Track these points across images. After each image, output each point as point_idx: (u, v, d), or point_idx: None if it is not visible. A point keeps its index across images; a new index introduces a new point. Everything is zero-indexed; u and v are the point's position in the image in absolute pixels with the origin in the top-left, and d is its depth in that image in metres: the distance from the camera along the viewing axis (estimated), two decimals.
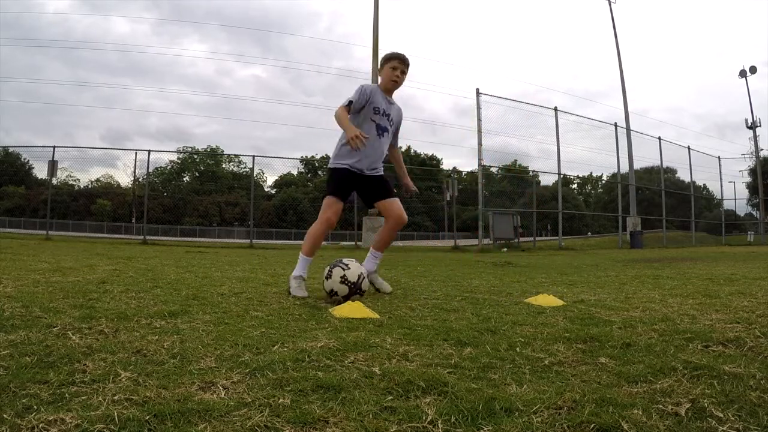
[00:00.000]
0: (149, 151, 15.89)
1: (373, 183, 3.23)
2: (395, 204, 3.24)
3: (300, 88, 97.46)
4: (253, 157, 17.19)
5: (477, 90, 15.12)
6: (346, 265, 2.82)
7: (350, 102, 3.05)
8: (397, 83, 3.18)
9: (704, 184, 26.37)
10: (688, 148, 22.70)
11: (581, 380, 1.33)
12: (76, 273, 3.86)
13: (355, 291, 2.78)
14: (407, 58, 3.21)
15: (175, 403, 1.09)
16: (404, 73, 3.19)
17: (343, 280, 2.76)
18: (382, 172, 3.29)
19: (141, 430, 0.96)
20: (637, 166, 20.71)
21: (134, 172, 17.86)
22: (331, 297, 2.78)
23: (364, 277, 2.85)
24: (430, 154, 60.98)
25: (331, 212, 3.10)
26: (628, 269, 5.76)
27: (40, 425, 0.95)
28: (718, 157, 24.74)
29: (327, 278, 2.81)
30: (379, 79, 3.24)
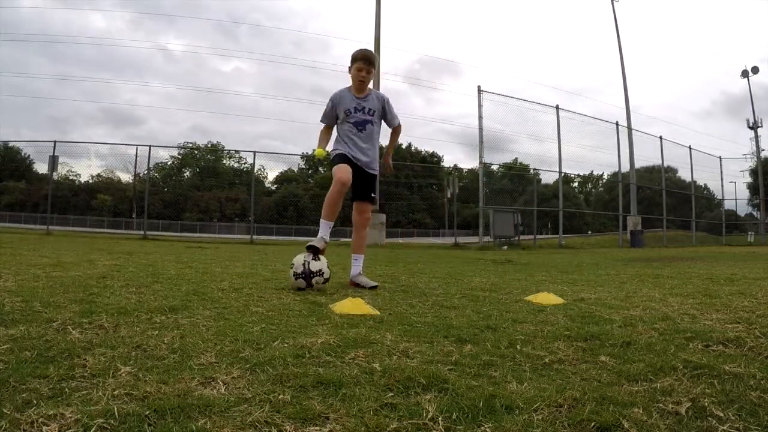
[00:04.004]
0: (150, 147, 15.91)
1: (363, 178, 3.42)
2: (362, 206, 3.45)
3: (300, 85, 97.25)
4: (254, 153, 17.22)
5: (479, 87, 15.10)
6: (292, 264, 3.02)
7: (322, 119, 3.43)
8: (363, 82, 3.35)
9: (705, 184, 26.35)
10: (689, 147, 22.68)
11: (582, 378, 1.33)
12: (76, 268, 3.87)
13: (305, 276, 2.96)
14: (371, 56, 3.37)
15: (175, 399, 1.08)
16: (370, 72, 3.34)
17: (295, 275, 2.98)
18: (375, 172, 3.49)
19: (141, 425, 0.96)
20: (638, 165, 20.71)
21: (135, 167, 17.87)
22: (298, 290, 2.96)
23: (308, 261, 2.99)
24: (431, 151, 61.03)
25: (342, 172, 3.20)
26: (628, 268, 5.76)
27: (40, 420, 0.95)
28: (719, 157, 24.73)
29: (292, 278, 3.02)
30: (350, 79, 3.39)
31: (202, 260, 5.48)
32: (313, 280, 2.98)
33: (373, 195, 3.51)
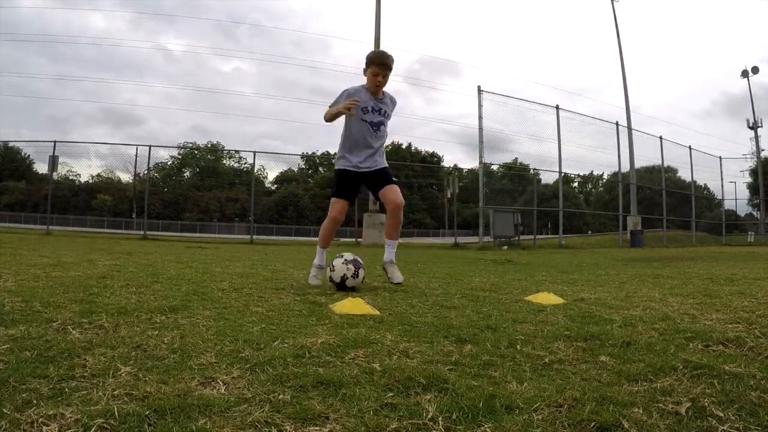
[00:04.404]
0: (150, 147, 15.92)
1: (375, 176, 3.38)
2: (391, 189, 3.34)
3: (300, 85, 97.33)
4: (254, 153, 17.25)
5: (479, 87, 15.10)
6: (333, 266, 3.17)
7: (334, 104, 3.27)
8: (379, 87, 3.29)
9: (705, 184, 26.35)
10: (690, 147, 22.68)
11: (582, 378, 1.33)
12: (76, 268, 3.87)
13: (355, 264, 3.12)
14: (389, 60, 3.28)
15: (175, 399, 1.09)
16: (386, 77, 3.27)
17: (345, 261, 3.12)
18: (384, 165, 3.44)
19: (141, 425, 0.96)
20: (638, 165, 20.72)
21: (135, 167, 17.87)
22: (348, 287, 3.08)
23: (360, 264, 3.15)
24: (431, 151, 61.07)
25: (335, 211, 3.39)
26: (628, 268, 5.76)
27: (40, 420, 0.95)
28: (719, 157, 24.72)
29: (332, 270, 3.14)
30: (365, 80, 3.31)
31: (202, 260, 5.48)
32: (357, 274, 3.12)
33: (394, 179, 3.46)
